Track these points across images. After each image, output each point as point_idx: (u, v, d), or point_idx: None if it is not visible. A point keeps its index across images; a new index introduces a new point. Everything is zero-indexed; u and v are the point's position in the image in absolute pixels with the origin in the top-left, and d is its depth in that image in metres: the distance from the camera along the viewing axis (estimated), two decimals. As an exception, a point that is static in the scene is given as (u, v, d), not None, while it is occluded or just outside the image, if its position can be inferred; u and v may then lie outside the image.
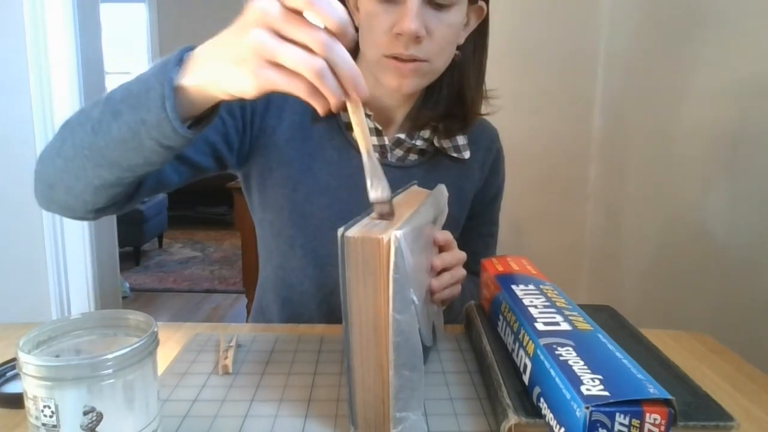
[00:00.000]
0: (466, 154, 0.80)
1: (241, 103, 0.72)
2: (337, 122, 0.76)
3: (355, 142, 0.73)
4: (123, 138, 0.50)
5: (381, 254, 0.42)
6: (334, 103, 0.42)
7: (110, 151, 0.51)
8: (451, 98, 0.75)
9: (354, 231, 0.44)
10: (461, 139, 0.79)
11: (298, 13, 0.40)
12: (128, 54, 5.04)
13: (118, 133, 0.50)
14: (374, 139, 0.75)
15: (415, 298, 0.44)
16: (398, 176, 0.75)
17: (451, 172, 0.80)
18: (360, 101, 0.43)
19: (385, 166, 0.73)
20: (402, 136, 0.75)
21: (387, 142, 0.76)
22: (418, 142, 0.77)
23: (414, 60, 0.65)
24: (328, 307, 0.78)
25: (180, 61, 0.48)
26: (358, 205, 0.73)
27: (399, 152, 0.78)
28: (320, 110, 0.43)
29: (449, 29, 0.66)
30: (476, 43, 0.74)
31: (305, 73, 0.40)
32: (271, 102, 0.75)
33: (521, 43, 1.98)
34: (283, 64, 0.41)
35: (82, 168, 0.54)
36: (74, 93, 1.69)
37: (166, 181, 0.66)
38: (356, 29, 0.68)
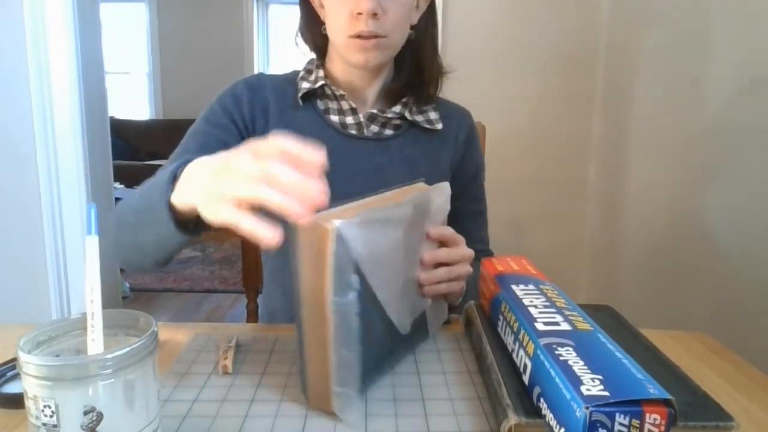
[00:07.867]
0: (439, 125, 0.87)
1: (231, 116, 0.81)
2: (314, 109, 0.84)
3: (333, 123, 0.81)
4: (155, 240, 0.61)
5: (325, 241, 0.45)
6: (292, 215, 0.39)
7: (152, 245, 0.62)
8: (411, 69, 0.85)
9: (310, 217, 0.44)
10: (433, 114, 0.87)
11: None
12: (128, 54, 5.04)
13: (147, 236, 0.61)
14: (350, 118, 0.83)
15: (355, 284, 0.47)
16: (376, 149, 0.84)
17: (426, 143, 0.87)
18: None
19: (363, 140, 0.83)
20: (374, 111, 0.83)
21: (362, 119, 0.83)
22: (390, 115, 0.84)
23: (375, 36, 0.74)
24: None
25: (174, 178, 0.55)
26: (337, 182, 0.74)
27: (375, 128, 0.84)
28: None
29: (401, 7, 0.76)
30: (428, 21, 0.85)
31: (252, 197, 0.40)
32: (254, 104, 0.82)
33: (521, 43, 1.98)
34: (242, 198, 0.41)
35: (140, 248, 0.65)
36: (74, 93, 1.69)
37: None
38: (323, 23, 0.81)
